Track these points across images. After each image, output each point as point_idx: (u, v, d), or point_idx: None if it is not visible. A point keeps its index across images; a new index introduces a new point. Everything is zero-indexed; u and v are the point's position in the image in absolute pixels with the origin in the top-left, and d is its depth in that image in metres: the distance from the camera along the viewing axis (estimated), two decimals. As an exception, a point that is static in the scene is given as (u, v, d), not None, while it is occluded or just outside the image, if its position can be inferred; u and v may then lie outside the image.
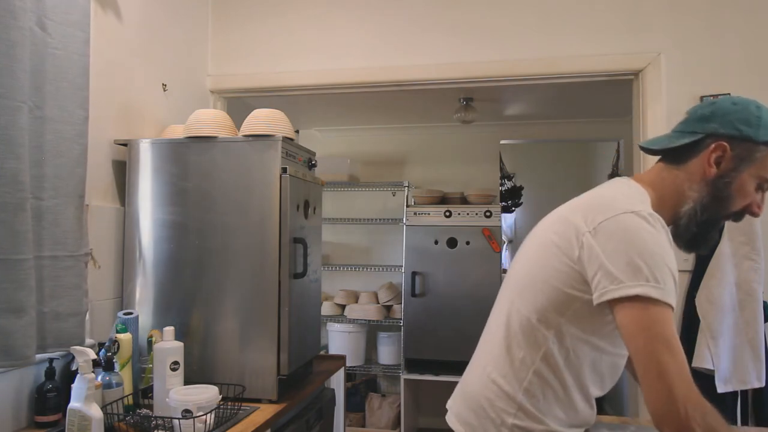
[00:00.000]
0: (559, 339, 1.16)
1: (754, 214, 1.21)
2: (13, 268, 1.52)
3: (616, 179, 1.26)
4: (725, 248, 2.20)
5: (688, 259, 2.31)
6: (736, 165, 1.15)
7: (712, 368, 2.15)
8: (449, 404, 1.34)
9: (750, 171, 1.15)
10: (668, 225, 1.16)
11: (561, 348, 1.16)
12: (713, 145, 1.15)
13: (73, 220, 1.75)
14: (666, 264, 1.04)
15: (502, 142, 4.47)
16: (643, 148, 1.30)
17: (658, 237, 1.07)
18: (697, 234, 1.19)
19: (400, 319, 4.00)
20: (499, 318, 1.25)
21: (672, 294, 1.03)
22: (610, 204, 1.12)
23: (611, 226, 1.08)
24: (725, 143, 1.14)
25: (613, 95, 3.24)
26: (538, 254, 1.20)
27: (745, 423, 2.25)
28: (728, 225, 2.18)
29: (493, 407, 1.20)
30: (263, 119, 2.02)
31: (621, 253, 1.05)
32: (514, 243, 5.83)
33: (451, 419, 1.30)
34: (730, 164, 1.15)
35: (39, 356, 1.63)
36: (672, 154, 1.22)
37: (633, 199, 1.14)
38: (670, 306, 1.03)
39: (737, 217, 1.22)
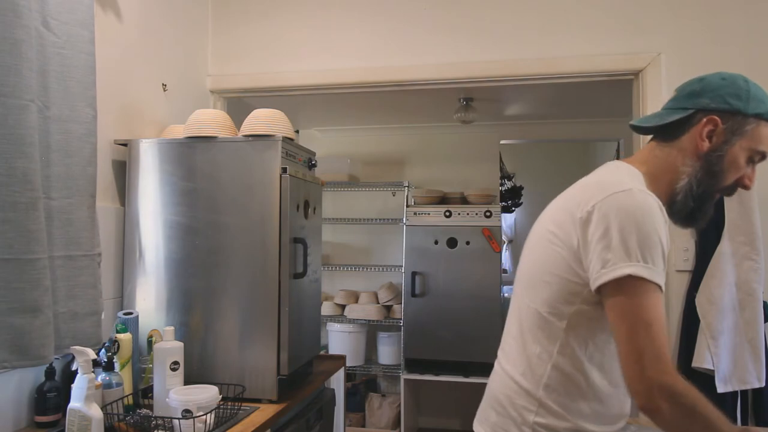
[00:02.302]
0: (574, 330, 1.14)
1: (746, 187, 1.22)
2: (26, 268, 1.51)
3: (607, 163, 1.27)
4: (725, 248, 2.20)
5: (688, 259, 2.31)
6: (728, 138, 1.17)
7: (712, 368, 2.15)
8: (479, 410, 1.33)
9: (741, 144, 1.17)
10: (664, 201, 1.17)
11: (577, 338, 1.15)
12: (705, 120, 1.17)
13: (87, 220, 1.75)
14: (659, 241, 1.06)
15: (502, 142, 4.47)
16: (634, 127, 1.30)
17: (651, 212, 1.08)
18: (694, 208, 1.21)
19: (400, 319, 3.99)
20: (513, 316, 1.26)
21: (661, 273, 1.05)
22: (601, 186, 1.13)
23: (603, 208, 1.09)
24: (716, 117, 1.16)
25: (613, 95, 3.24)
26: (541, 247, 1.21)
27: (745, 423, 2.24)
28: (728, 225, 2.19)
29: (514, 405, 1.18)
30: (263, 119, 2.02)
31: (614, 233, 1.06)
32: (514, 243, 5.85)
33: (475, 423, 1.29)
34: (721, 138, 1.17)
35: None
36: (664, 132, 1.23)
37: (624, 178, 1.16)
38: (658, 286, 1.04)
39: (730, 190, 1.23)
